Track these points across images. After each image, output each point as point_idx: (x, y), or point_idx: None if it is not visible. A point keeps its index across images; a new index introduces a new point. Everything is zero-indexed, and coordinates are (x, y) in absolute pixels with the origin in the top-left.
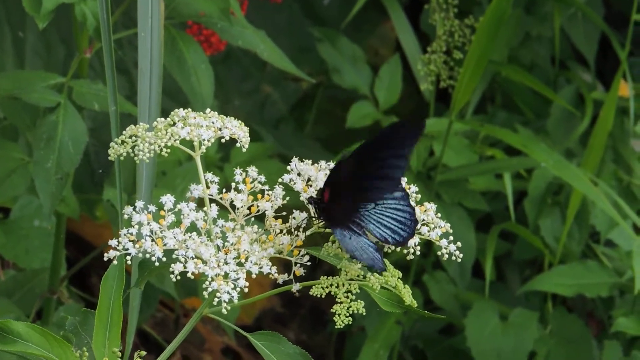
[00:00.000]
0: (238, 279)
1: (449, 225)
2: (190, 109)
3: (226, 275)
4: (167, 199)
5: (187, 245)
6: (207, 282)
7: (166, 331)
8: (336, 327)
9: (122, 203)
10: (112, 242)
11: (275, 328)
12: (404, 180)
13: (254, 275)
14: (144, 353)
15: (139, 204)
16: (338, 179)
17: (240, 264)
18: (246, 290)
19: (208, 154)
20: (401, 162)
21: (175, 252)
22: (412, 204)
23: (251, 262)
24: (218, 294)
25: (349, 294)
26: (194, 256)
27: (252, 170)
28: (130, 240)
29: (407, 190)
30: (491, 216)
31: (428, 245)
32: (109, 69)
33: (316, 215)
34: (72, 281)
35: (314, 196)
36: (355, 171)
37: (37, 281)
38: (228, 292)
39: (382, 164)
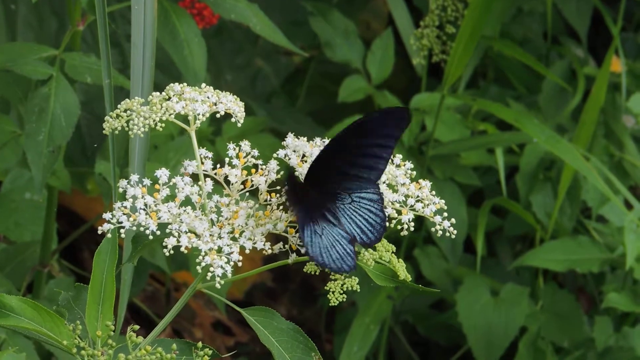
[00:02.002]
0: (231, 253)
1: (443, 202)
2: (184, 84)
3: (219, 250)
4: (162, 173)
5: (181, 219)
6: (200, 257)
7: (157, 305)
8: (330, 304)
9: (115, 177)
10: (106, 215)
11: (266, 303)
12: (395, 161)
13: (247, 251)
14: (137, 327)
15: (134, 177)
16: (318, 165)
17: (234, 239)
18: (240, 264)
19: (200, 128)
20: (385, 152)
21: (169, 226)
22: (385, 211)
23: (245, 237)
24: (211, 269)
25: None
26: (187, 230)
27: (245, 145)
28: (124, 214)
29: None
30: (483, 191)
31: (420, 221)
32: (102, 42)
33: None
34: (63, 255)
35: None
36: (337, 156)
37: (28, 254)
38: (221, 267)
39: (366, 151)
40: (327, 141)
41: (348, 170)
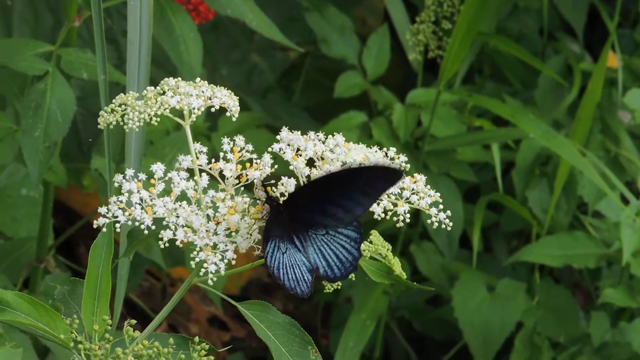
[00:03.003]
0: (226, 250)
1: (438, 194)
2: (180, 78)
3: (215, 246)
4: (158, 167)
5: (177, 214)
6: (195, 252)
7: (152, 300)
8: (325, 290)
9: (111, 172)
10: (102, 210)
11: (262, 298)
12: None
13: (242, 251)
14: (134, 322)
15: (129, 172)
16: (304, 193)
17: (229, 236)
18: (233, 262)
19: (196, 123)
20: (368, 201)
21: (166, 219)
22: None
23: (242, 238)
24: (205, 265)
25: None
26: (184, 224)
27: (240, 139)
28: (119, 208)
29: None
30: (479, 187)
31: (416, 216)
32: (98, 38)
33: (264, 212)
34: (59, 250)
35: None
36: (322, 192)
37: (24, 250)
38: (215, 264)
39: (351, 195)
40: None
41: (326, 206)
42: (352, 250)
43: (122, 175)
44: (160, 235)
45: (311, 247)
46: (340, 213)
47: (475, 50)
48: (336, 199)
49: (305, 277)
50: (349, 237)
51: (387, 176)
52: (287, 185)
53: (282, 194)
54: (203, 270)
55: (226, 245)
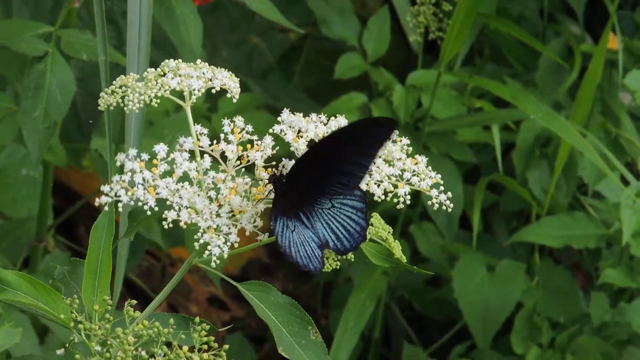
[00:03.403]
0: (230, 233)
1: (439, 176)
2: (180, 60)
3: (218, 228)
4: (161, 148)
5: (180, 195)
6: (199, 234)
7: (152, 280)
8: (324, 269)
9: (111, 153)
10: (104, 188)
11: (262, 278)
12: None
13: (247, 233)
14: (134, 302)
15: (132, 151)
16: (303, 165)
17: (233, 219)
18: (236, 245)
19: (196, 104)
20: (367, 161)
21: (170, 199)
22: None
23: (246, 220)
24: (209, 247)
25: None
26: (187, 206)
27: (239, 120)
28: (122, 187)
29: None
30: (479, 168)
31: (416, 197)
32: (98, 19)
33: (266, 192)
34: (58, 230)
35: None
36: (319, 160)
37: (24, 230)
38: (219, 246)
39: (349, 158)
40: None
41: (328, 174)
42: (359, 221)
43: (125, 154)
44: (164, 216)
45: (318, 222)
46: (343, 178)
47: (476, 31)
48: (336, 165)
49: (316, 253)
50: (354, 207)
51: (383, 130)
52: (288, 167)
53: (282, 175)
54: (207, 252)
55: (229, 228)
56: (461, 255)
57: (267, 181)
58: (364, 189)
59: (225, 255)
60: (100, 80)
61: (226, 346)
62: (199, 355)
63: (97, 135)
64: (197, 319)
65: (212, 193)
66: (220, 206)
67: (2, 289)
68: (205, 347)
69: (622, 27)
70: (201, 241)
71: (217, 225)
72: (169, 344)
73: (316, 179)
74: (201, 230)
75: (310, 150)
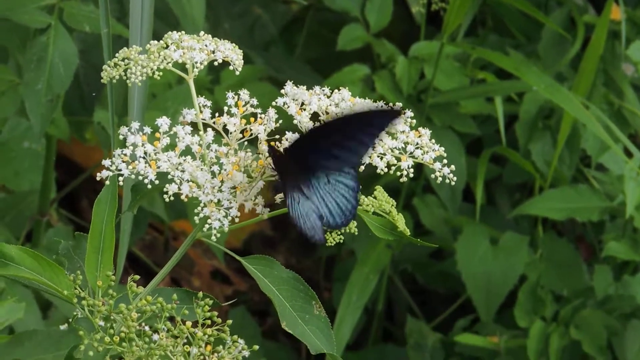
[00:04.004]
0: (230, 207)
1: (442, 149)
2: (182, 32)
3: (219, 203)
4: (163, 121)
5: (182, 168)
6: (199, 208)
7: (155, 254)
8: (327, 244)
9: (113, 125)
10: (106, 162)
11: (264, 251)
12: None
13: (246, 210)
14: (137, 277)
15: (134, 125)
16: (307, 140)
17: (234, 194)
18: (237, 220)
19: (198, 76)
20: (371, 141)
21: (171, 173)
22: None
23: (247, 196)
24: (209, 221)
25: None
26: (189, 179)
27: (244, 93)
28: (123, 161)
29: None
30: (481, 140)
31: (419, 169)
32: None
33: (272, 167)
34: (61, 204)
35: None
36: (323, 137)
37: (27, 203)
38: (219, 220)
39: (354, 136)
40: (326, 90)
41: (331, 149)
42: (350, 199)
43: (127, 128)
44: (165, 189)
45: (314, 195)
46: (345, 154)
47: (478, 2)
48: (342, 142)
49: (317, 224)
50: (347, 186)
51: (392, 117)
52: (291, 141)
53: (283, 149)
54: (207, 226)
55: (230, 203)
56: (464, 227)
57: (267, 154)
58: (367, 162)
59: (226, 229)
60: (102, 53)
61: (229, 321)
62: (202, 330)
63: (100, 108)
64: (201, 294)
65: (216, 167)
66: (222, 181)
67: (5, 263)
68: (209, 322)
69: None
70: (201, 215)
71: (218, 200)
72: (172, 319)
73: (318, 154)
74: (202, 204)
75: (315, 128)
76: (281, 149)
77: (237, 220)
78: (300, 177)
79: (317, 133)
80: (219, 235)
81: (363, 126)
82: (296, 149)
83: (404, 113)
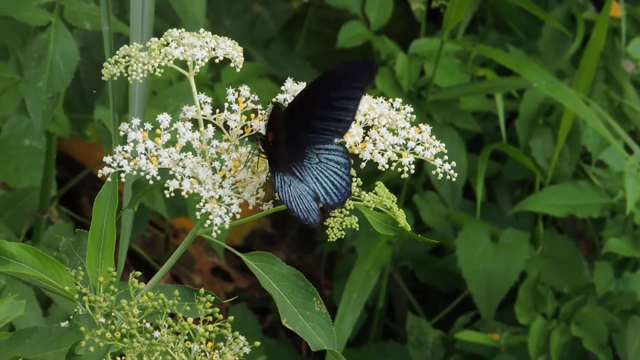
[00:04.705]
0: (232, 204)
1: (443, 145)
2: (183, 29)
3: (220, 199)
4: (164, 118)
5: (183, 164)
6: (200, 204)
7: (156, 251)
8: (329, 239)
9: (114, 123)
10: (107, 159)
11: (265, 248)
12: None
13: (250, 207)
14: (139, 273)
15: (135, 121)
16: (287, 118)
17: (236, 191)
18: (238, 216)
19: (199, 74)
20: (353, 104)
21: (173, 169)
22: (352, 175)
23: (248, 192)
24: (210, 217)
25: (344, 210)
26: (190, 175)
27: (245, 90)
28: (124, 158)
29: (350, 159)
30: (482, 137)
31: (419, 166)
32: None
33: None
34: (61, 201)
35: (262, 133)
36: (305, 109)
37: (27, 200)
38: (220, 216)
39: (334, 104)
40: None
41: (316, 123)
42: (344, 176)
43: (128, 124)
44: (166, 185)
45: (308, 176)
46: (332, 125)
47: None
48: (324, 113)
49: (313, 206)
50: (338, 163)
51: (363, 72)
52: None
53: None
54: (208, 222)
55: (231, 199)
56: (465, 224)
57: (258, 139)
58: (368, 158)
59: (227, 226)
60: (102, 50)
61: (231, 317)
62: (203, 327)
63: (101, 105)
64: (202, 291)
65: (217, 164)
66: (224, 177)
67: (6, 261)
68: (210, 318)
69: None
70: (203, 211)
71: (220, 196)
72: (173, 316)
73: (302, 130)
74: (203, 200)
75: (291, 104)
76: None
77: (238, 216)
78: (292, 158)
79: (296, 108)
80: (219, 231)
81: (340, 89)
82: (282, 129)
83: (376, 66)
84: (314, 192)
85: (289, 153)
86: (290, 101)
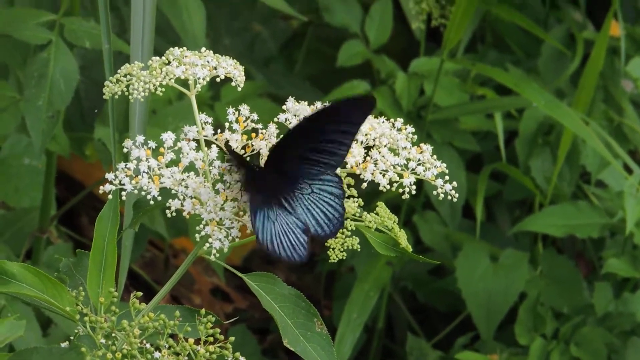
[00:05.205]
0: (232, 228)
1: (444, 165)
2: (184, 48)
3: (220, 222)
4: (168, 137)
5: (186, 184)
6: (201, 225)
7: (155, 271)
8: (330, 260)
9: (114, 142)
10: (109, 176)
11: (264, 268)
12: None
13: (248, 231)
14: (140, 294)
15: (139, 138)
16: (281, 148)
17: (236, 211)
18: (237, 240)
19: (199, 93)
20: (348, 139)
21: (175, 189)
22: (345, 206)
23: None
24: (210, 240)
25: (345, 231)
26: (192, 196)
27: (245, 109)
28: (127, 175)
29: (345, 190)
30: (481, 156)
31: (418, 185)
32: (102, 6)
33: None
34: (60, 221)
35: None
36: (300, 141)
37: (27, 220)
38: (220, 240)
39: (329, 137)
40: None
41: (309, 155)
42: (337, 207)
43: (132, 141)
44: (168, 204)
45: (299, 207)
46: (325, 158)
47: (478, 18)
48: (319, 146)
49: (301, 239)
50: (332, 194)
51: (363, 108)
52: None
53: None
54: (207, 245)
55: (232, 223)
56: (464, 244)
57: (236, 168)
58: (369, 179)
59: (226, 249)
60: (102, 68)
61: (232, 338)
62: (204, 348)
63: (100, 124)
64: (203, 311)
65: (220, 186)
66: (226, 200)
67: (7, 281)
68: (211, 339)
69: (624, 14)
70: (203, 233)
71: (220, 219)
72: (174, 336)
73: (295, 161)
74: (204, 222)
75: (287, 134)
76: (254, 163)
77: (237, 240)
78: (282, 189)
79: (290, 140)
80: (218, 255)
81: (336, 123)
82: (273, 159)
83: (375, 102)
84: (304, 223)
85: (280, 184)
86: (287, 130)
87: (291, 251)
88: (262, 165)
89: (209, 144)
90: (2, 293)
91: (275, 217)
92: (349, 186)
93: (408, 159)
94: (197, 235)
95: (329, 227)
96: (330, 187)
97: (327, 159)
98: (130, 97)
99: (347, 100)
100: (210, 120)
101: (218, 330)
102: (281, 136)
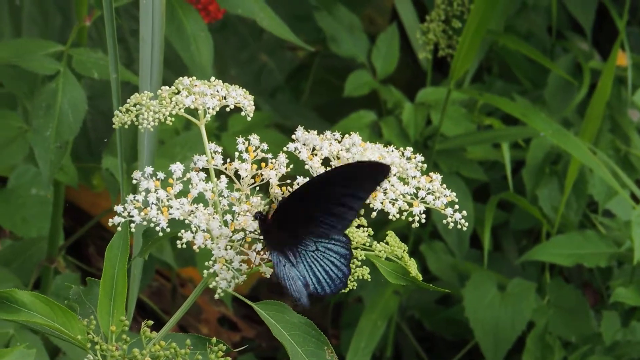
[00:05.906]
0: (240, 269)
1: (454, 194)
2: (194, 77)
3: (229, 262)
4: (177, 168)
5: (195, 216)
6: (210, 262)
7: (163, 301)
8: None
9: (122, 172)
10: (118, 208)
11: (272, 297)
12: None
13: (254, 265)
14: (151, 322)
15: (148, 169)
16: (290, 203)
17: (243, 246)
18: (242, 283)
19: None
20: (357, 204)
21: (187, 220)
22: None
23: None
24: (217, 279)
25: (355, 260)
26: (205, 229)
27: (255, 139)
28: (135, 207)
29: (352, 251)
30: (488, 186)
31: (426, 215)
32: (110, 37)
33: (259, 232)
34: (68, 250)
35: (262, 212)
36: (308, 200)
37: (35, 250)
38: (226, 280)
39: (339, 200)
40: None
41: (317, 215)
42: (341, 267)
43: (141, 172)
44: (180, 235)
45: (301, 263)
46: (332, 221)
47: (485, 49)
48: (325, 205)
49: (303, 292)
50: (338, 253)
51: (376, 174)
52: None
53: (267, 213)
54: (213, 284)
55: (240, 264)
56: (472, 274)
57: (253, 216)
58: (379, 208)
59: (231, 290)
60: (110, 99)
61: None
62: None
63: (108, 154)
64: (214, 340)
65: (229, 217)
66: (235, 231)
67: (18, 310)
68: None
69: (630, 44)
70: (211, 270)
71: (230, 259)
72: None
73: (303, 218)
74: (213, 259)
75: (299, 188)
76: (268, 213)
77: (241, 283)
78: (287, 243)
79: (299, 197)
80: (222, 294)
81: (348, 186)
82: (283, 212)
83: (390, 170)
84: (304, 279)
85: (285, 239)
86: (297, 187)
87: (299, 296)
88: (270, 217)
89: (218, 174)
90: (13, 321)
91: (284, 263)
92: (358, 216)
93: (418, 188)
94: (205, 271)
95: (330, 286)
96: (337, 247)
97: (333, 222)
98: (140, 127)
99: (362, 163)
100: (220, 149)
101: (229, 359)
102: (291, 191)
